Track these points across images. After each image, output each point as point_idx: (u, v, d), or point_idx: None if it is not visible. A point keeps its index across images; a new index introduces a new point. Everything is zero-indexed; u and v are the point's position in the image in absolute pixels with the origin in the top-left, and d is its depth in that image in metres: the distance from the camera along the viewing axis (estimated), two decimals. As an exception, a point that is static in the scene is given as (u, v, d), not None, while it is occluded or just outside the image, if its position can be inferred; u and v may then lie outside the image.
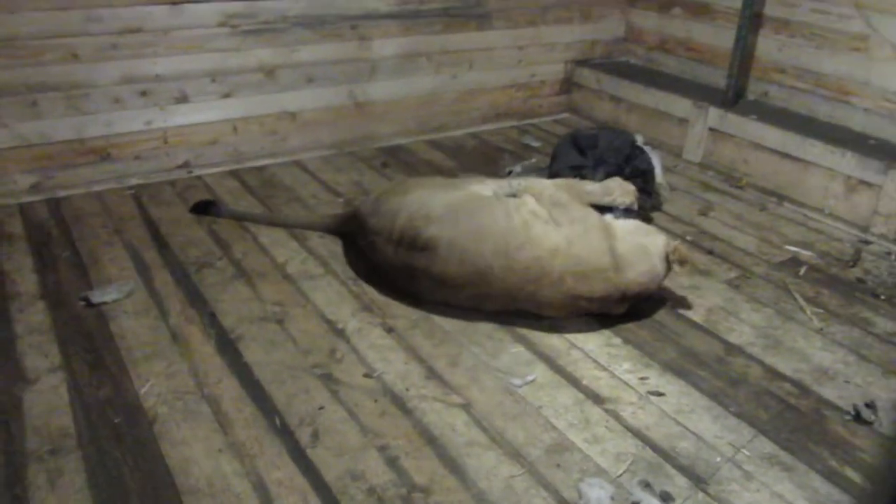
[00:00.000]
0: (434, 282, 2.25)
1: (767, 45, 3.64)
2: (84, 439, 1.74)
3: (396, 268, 2.33)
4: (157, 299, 2.30)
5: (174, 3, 2.96)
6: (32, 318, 2.17)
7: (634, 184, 2.64)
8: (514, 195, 2.42)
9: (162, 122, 3.11)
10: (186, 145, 3.21)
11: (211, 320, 2.21)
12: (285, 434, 1.79)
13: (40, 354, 2.02)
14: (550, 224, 2.21)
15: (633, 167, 2.85)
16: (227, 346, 2.10)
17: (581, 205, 2.30)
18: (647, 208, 2.91)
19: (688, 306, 2.43)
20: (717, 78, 3.85)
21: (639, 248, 2.23)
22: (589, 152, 2.87)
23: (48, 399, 1.86)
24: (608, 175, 2.74)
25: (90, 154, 3.00)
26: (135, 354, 2.04)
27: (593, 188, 2.44)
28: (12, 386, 1.90)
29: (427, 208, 2.27)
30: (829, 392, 2.05)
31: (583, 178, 2.74)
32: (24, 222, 2.72)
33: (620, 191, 2.45)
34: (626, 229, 2.29)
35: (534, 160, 3.35)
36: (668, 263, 2.25)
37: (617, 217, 2.39)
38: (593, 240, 2.19)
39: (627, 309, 2.28)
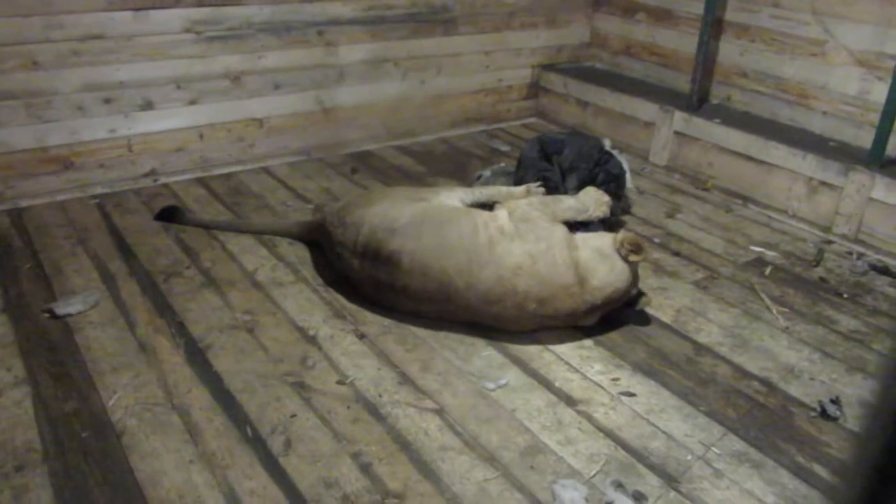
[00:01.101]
0: (398, 294, 2.25)
1: (729, 50, 3.71)
2: (50, 454, 1.70)
3: (362, 279, 2.32)
4: (123, 310, 2.26)
5: (137, 10, 2.92)
6: (-6, 331, 2.13)
7: (607, 189, 2.66)
8: (483, 204, 2.43)
9: (126, 129, 3.07)
10: (152, 153, 3.17)
11: (179, 330, 2.18)
12: (257, 443, 1.77)
13: (3, 368, 1.98)
14: (516, 241, 2.18)
15: (606, 172, 2.86)
16: (197, 356, 2.07)
17: (549, 221, 2.26)
18: (617, 213, 2.93)
19: (657, 307, 2.45)
20: (682, 82, 3.91)
21: (596, 253, 2.21)
22: (555, 158, 2.88)
23: (12, 414, 1.82)
24: (581, 182, 2.75)
25: (53, 163, 2.94)
26: (101, 366, 2.00)
27: (569, 205, 2.39)
28: (-26, 401, 1.85)
29: (391, 220, 2.25)
30: (795, 389, 2.09)
31: (546, 181, 2.74)
32: (-15, 233, 2.66)
33: (596, 204, 2.44)
34: (584, 236, 2.28)
35: (503, 164, 3.37)
36: (625, 258, 2.20)
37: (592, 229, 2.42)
38: (557, 256, 2.16)
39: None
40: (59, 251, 2.57)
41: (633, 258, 2.21)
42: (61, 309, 2.21)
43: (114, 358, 2.04)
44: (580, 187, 2.63)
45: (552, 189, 2.68)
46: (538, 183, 2.66)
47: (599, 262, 2.19)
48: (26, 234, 2.67)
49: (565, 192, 2.69)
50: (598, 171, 2.84)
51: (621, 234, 2.24)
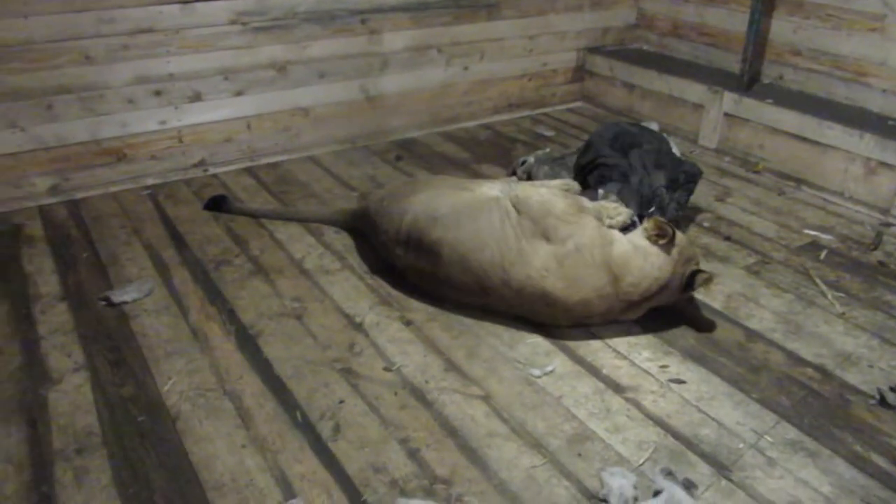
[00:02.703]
0: (442, 284, 2.25)
1: (782, 28, 3.60)
2: (108, 437, 1.76)
3: (407, 268, 2.33)
4: (176, 297, 2.32)
5: (185, 3, 2.97)
6: (55, 319, 2.20)
7: (688, 188, 2.60)
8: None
9: (176, 121, 3.13)
10: (201, 144, 3.23)
11: (230, 317, 2.23)
12: (307, 428, 1.80)
13: (64, 354, 2.05)
14: (537, 238, 2.10)
15: (685, 173, 2.70)
16: (247, 342, 2.11)
17: (576, 215, 2.14)
18: (680, 212, 2.75)
19: (706, 293, 2.40)
20: (732, 62, 3.81)
21: (630, 245, 2.11)
22: (635, 152, 2.68)
23: (73, 398, 1.88)
24: (670, 181, 2.62)
25: (106, 155, 3.02)
26: (156, 352, 2.06)
27: (590, 206, 2.24)
28: (38, 386, 1.92)
29: (433, 209, 2.25)
30: (852, 377, 2.03)
31: (608, 168, 2.63)
32: (44, 224, 2.75)
33: (611, 212, 2.26)
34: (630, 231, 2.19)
35: (547, 150, 3.33)
36: (655, 244, 2.10)
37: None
38: (587, 256, 2.06)
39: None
40: (115, 241, 2.64)
41: (661, 242, 2.10)
42: (117, 297, 2.27)
43: (168, 344, 2.10)
44: (666, 185, 2.55)
45: (615, 179, 2.58)
46: (578, 186, 2.58)
47: (633, 254, 2.09)
48: (83, 224, 2.76)
49: (644, 188, 2.56)
50: (679, 171, 2.70)
51: (647, 221, 2.15)
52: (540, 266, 2.08)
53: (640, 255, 2.09)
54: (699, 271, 2.14)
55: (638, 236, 2.14)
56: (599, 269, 2.07)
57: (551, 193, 2.22)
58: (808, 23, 3.48)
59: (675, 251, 2.11)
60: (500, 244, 2.12)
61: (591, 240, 2.09)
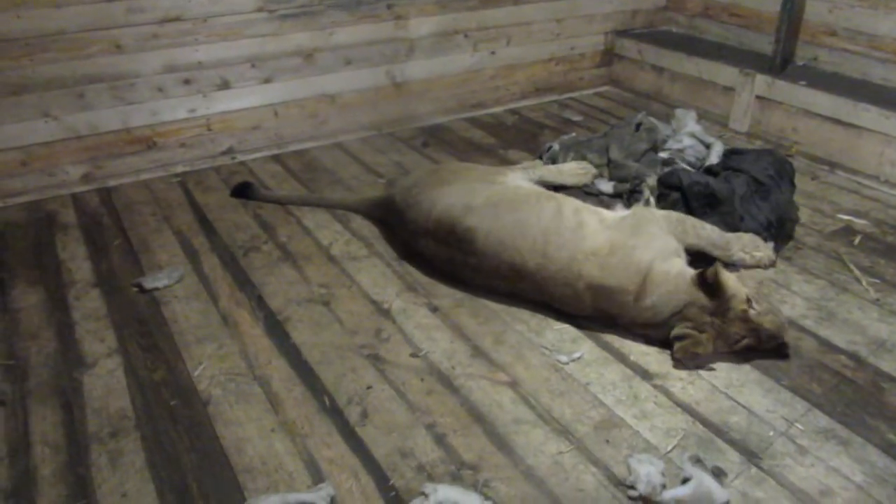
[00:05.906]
0: (472, 271, 2.26)
1: (817, 7, 3.52)
2: (142, 421, 1.79)
3: (435, 255, 2.34)
4: (206, 283, 2.35)
5: (212, -9, 2.99)
6: (88, 305, 2.24)
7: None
8: (541, 182, 2.41)
9: (205, 109, 3.16)
10: (229, 131, 3.25)
11: (259, 303, 2.25)
12: (335, 413, 1.82)
13: (97, 339, 2.09)
14: (610, 231, 2.12)
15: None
16: (276, 328, 2.14)
17: (666, 231, 2.16)
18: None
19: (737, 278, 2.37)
20: (764, 44, 3.74)
21: (676, 272, 2.02)
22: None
23: (106, 382, 1.92)
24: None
25: (137, 143, 3.06)
26: (187, 338, 2.09)
27: (706, 235, 2.24)
28: (72, 370, 1.96)
29: (467, 200, 2.26)
30: (886, 364, 2.00)
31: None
32: (77, 212, 2.80)
33: (742, 249, 2.30)
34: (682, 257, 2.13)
35: (573, 134, 3.30)
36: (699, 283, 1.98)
37: None
38: (635, 257, 2.04)
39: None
40: (146, 228, 2.68)
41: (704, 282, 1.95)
42: (149, 283, 2.31)
43: (198, 330, 2.13)
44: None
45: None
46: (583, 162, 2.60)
47: (666, 279, 2.00)
48: (115, 212, 2.80)
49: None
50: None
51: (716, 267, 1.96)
52: (590, 249, 2.09)
53: (671, 282, 2.00)
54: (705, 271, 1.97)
55: (691, 272, 2.02)
56: (636, 275, 2.02)
57: (666, 218, 2.25)
58: (843, 2, 3.40)
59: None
60: (546, 233, 2.13)
61: (653, 250, 2.07)
